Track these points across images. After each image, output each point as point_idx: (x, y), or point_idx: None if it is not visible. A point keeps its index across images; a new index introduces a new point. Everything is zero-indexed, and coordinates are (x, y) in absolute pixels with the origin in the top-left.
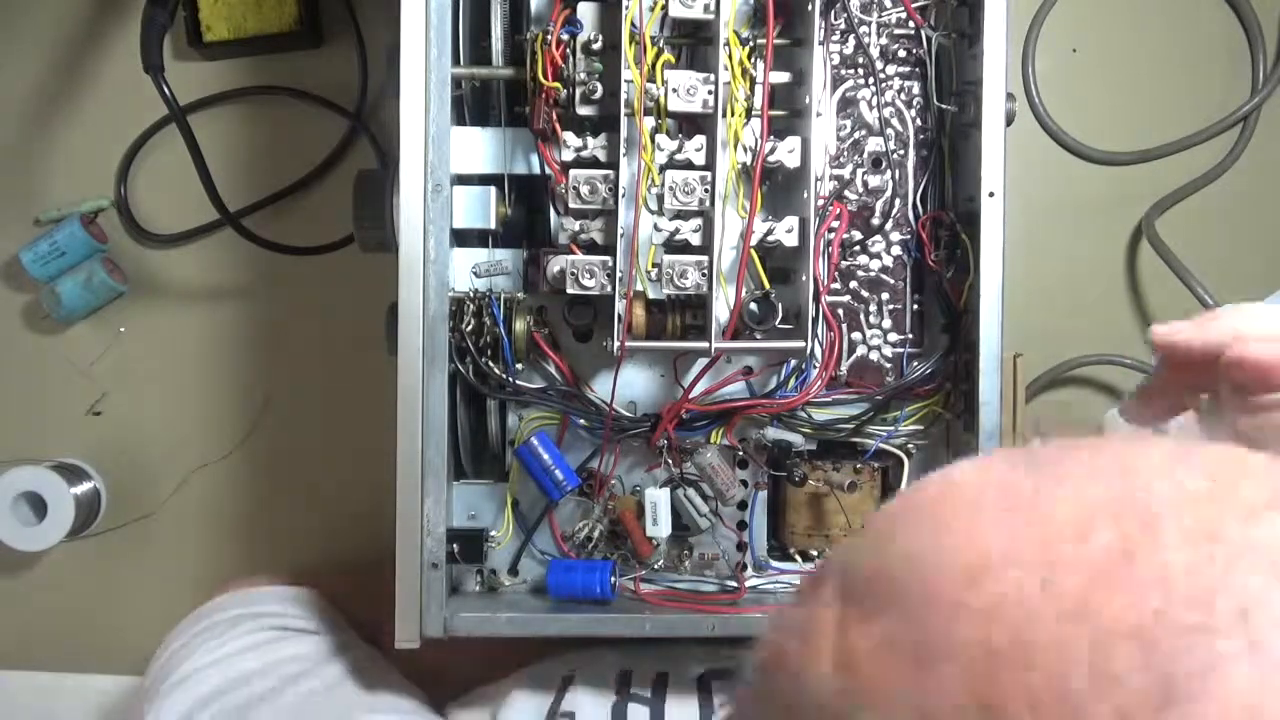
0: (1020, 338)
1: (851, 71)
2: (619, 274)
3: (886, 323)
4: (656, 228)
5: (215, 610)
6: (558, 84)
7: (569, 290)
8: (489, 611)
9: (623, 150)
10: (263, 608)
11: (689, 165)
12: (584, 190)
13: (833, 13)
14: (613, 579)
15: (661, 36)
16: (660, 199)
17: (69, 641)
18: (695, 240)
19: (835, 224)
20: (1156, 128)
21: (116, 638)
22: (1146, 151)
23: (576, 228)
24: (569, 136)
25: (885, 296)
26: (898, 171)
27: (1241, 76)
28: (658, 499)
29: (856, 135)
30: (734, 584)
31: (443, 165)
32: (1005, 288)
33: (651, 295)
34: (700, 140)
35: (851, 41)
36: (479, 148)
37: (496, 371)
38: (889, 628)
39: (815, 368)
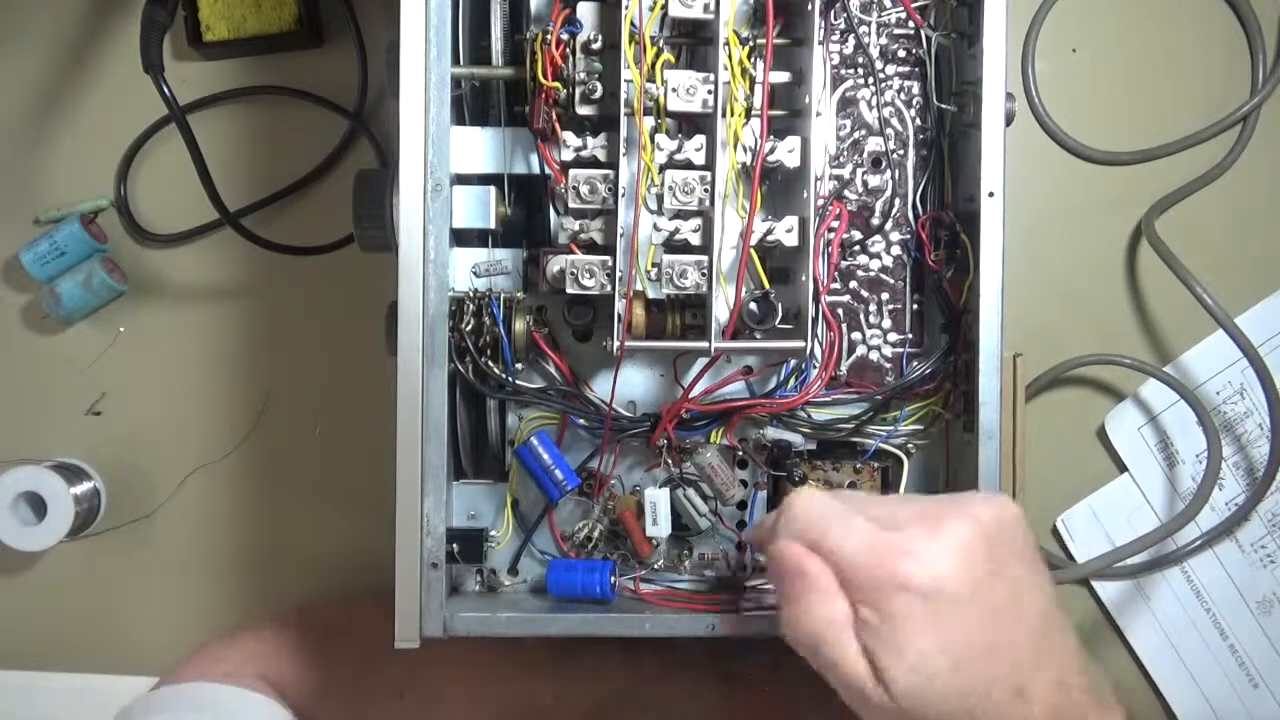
0: (1020, 338)
1: (851, 71)
2: (619, 274)
3: (886, 323)
4: (656, 227)
5: (159, 708)
6: (558, 84)
7: (569, 290)
8: (489, 611)
9: (622, 150)
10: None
11: (689, 165)
12: (584, 190)
13: (832, 13)
14: (613, 579)
15: (661, 36)
16: (660, 199)
17: (69, 641)
18: (695, 240)
19: (835, 224)
20: (1156, 128)
21: (116, 638)
22: (1146, 151)
23: (576, 227)
24: (569, 136)
25: (885, 296)
26: (898, 171)
27: (1241, 76)
28: (658, 499)
29: (856, 135)
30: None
31: (442, 165)
32: (1005, 288)
33: (651, 295)
34: (700, 140)
35: (851, 41)
36: (479, 148)
37: (496, 371)
38: None
39: (815, 368)
